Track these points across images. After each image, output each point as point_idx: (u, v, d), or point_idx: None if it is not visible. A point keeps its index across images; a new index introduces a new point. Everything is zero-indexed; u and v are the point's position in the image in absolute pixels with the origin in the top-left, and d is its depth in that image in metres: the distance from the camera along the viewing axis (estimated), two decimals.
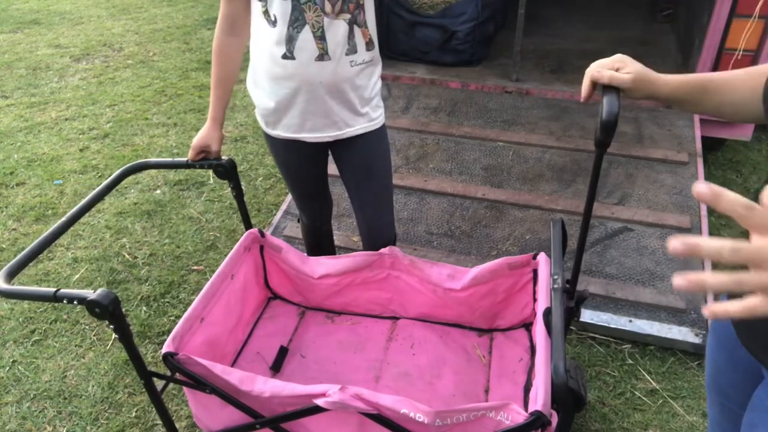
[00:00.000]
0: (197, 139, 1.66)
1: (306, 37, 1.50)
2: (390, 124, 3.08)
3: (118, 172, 1.58)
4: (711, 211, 2.84)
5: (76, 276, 2.59)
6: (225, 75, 1.66)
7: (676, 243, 0.54)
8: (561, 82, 3.31)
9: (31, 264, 2.59)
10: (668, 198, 2.56)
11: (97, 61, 4.99)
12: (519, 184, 2.69)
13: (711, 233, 2.64)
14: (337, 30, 1.51)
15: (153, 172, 3.35)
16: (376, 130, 1.72)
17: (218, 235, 2.84)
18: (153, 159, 1.67)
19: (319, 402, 1.25)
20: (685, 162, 2.72)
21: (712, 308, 0.57)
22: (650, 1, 4.42)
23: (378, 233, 1.88)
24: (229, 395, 1.39)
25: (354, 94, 1.62)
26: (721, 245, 0.54)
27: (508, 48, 3.58)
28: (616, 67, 0.99)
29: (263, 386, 1.31)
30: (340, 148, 1.74)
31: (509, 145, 2.92)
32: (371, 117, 1.70)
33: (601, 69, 0.99)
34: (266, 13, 1.51)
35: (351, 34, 1.54)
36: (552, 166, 2.78)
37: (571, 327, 2.18)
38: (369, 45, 1.60)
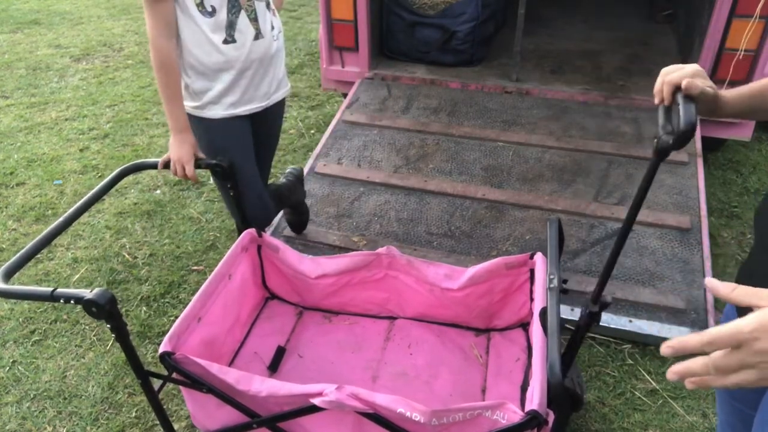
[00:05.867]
0: (189, 157, 1.68)
1: (243, 20, 1.67)
2: (390, 124, 3.08)
3: (115, 172, 1.58)
4: (711, 212, 2.84)
5: (76, 276, 2.59)
6: (179, 82, 1.69)
7: (665, 349, 0.63)
8: (561, 82, 3.30)
9: (30, 264, 2.60)
10: (668, 198, 2.55)
11: (97, 61, 5.00)
12: (519, 184, 2.69)
13: (711, 233, 2.64)
14: (264, 10, 1.73)
15: (153, 172, 3.35)
16: (284, 98, 1.97)
17: (218, 235, 2.84)
18: (151, 159, 1.67)
19: (316, 401, 1.25)
20: (685, 162, 2.71)
21: (675, 370, 0.64)
22: (650, 1, 4.41)
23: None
24: (225, 395, 1.39)
25: (281, 65, 1.87)
26: (700, 338, 0.62)
27: (508, 48, 3.57)
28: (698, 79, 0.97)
29: (260, 386, 1.31)
30: (260, 117, 1.90)
31: (509, 145, 2.92)
32: (285, 83, 1.95)
33: (693, 79, 0.96)
34: (200, 4, 1.60)
35: (271, 11, 1.76)
36: (552, 166, 2.78)
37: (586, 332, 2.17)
38: (274, 13, 1.80)
